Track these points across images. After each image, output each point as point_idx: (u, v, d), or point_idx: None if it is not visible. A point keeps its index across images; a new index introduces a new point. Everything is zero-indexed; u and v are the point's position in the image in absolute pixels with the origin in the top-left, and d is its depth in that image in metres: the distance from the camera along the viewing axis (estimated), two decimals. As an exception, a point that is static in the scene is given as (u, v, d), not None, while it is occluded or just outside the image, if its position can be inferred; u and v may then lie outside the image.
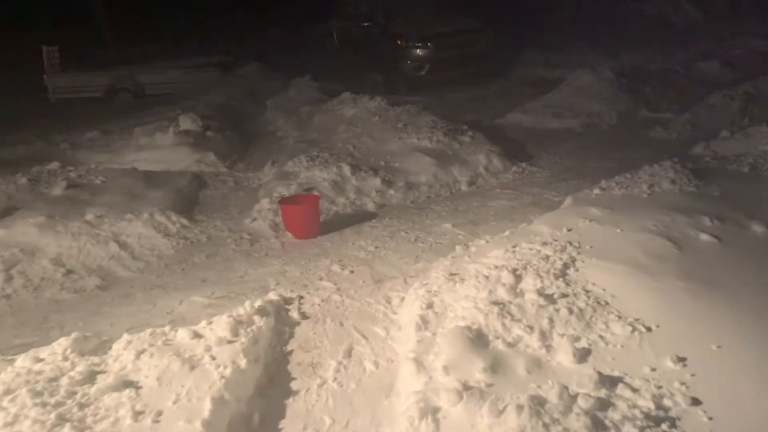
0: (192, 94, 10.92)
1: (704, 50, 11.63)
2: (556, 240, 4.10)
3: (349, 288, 4.25)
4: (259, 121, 10.19)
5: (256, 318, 3.58)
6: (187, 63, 12.65)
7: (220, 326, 3.41)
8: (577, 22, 16.19)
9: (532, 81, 12.32)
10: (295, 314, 3.88)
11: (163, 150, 7.54)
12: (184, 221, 5.52)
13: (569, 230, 4.21)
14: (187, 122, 8.08)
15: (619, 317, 3.13)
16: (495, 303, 3.33)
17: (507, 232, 4.71)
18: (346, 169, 6.24)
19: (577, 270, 3.65)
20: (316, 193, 5.83)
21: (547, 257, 3.83)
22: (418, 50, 12.13)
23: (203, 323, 3.53)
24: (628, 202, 4.57)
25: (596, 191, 4.92)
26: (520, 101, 10.39)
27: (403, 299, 3.97)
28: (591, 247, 3.90)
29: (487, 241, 4.67)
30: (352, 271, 4.54)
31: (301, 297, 4.14)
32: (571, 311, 3.18)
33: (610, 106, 8.53)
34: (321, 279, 4.45)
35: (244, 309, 3.68)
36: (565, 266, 3.68)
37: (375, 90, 11.98)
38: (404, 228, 5.35)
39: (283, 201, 5.41)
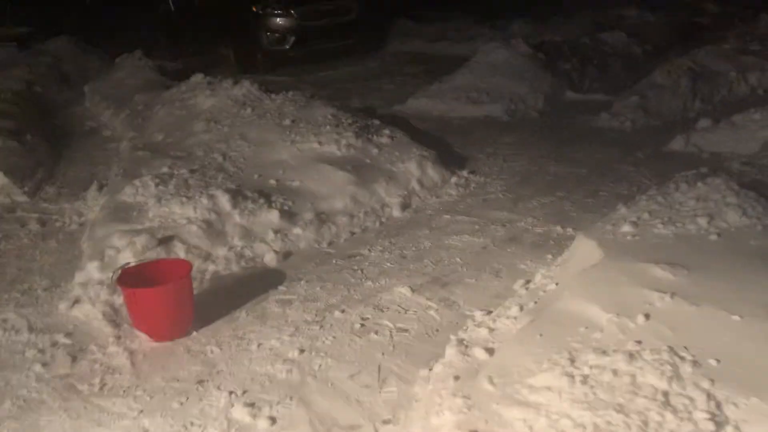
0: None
1: (601, 20, 10.62)
2: (638, 342, 2.36)
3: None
4: (75, 115, 7.48)
5: None
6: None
7: None
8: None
9: (413, 57, 10.65)
10: None
11: None
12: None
13: (646, 317, 2.49)
14: (-46, 126, 5.30)
15: None
16: None
17: (520, 311, 2.90)
18: (223, 199, 4.04)
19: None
20: (180, 251, 3.59)
21: (661, 397, 2.06)
22: (279, 19, 9.91)
23: None
24: (697, 250, 2.94)
25: (626, 228, 3.24)
26: (414, 81, 8.68)
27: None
28: (717, 362, 2.20)
29: (492, 330, 2.84)
30: (273, 421, 2.47)
31: None
32: None
33: (532, 87, 7.02)
34: (218, 447, 2.35)
35: None
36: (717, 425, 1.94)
37: (225, 68, 9.71)
38: (336, 301, 3.34)
39: (127, 276, 3.11)
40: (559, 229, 4.00)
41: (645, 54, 8.77)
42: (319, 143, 4.94)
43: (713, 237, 3.02)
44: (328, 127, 5.16)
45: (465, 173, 5.03)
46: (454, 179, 4.93)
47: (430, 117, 6.87)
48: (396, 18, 12.07)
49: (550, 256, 3.67)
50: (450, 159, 5.24)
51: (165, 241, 3.65)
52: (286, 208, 4.20)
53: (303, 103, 5.77)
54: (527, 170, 5.07)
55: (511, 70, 7.18)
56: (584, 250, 3.27)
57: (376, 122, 5.46)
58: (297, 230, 4.05)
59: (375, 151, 4.96)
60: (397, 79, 9.08)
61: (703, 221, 3.15)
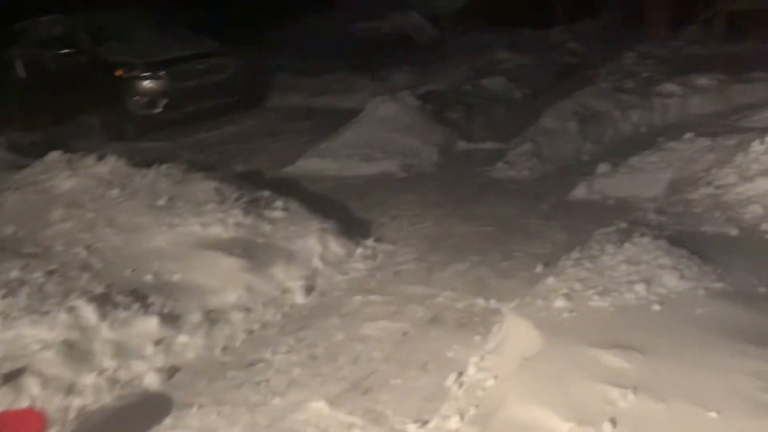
0: None
1: (478, 66, 10.74)
2: (612, 459, 1.98)
3: None
4: None
5: None
6: None
7: None
8: (315, 42, 14.54)
9: (296, 112, 10.22)
10: None
11: None
12: None
13: (613, 424, 2.12)
14: None
15: None
16: None
17: (461, 420, 2.46)
18: (88, 310, 3.33)
19: None
20: (33, 387, 2.85)
21: None
22: (147, 82, 9.17)
23: None
24: (644, 326, 2.64)
25: (560, 302, 2.92)
26: (301, 139, 8.23)
27: None
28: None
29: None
30: None
31: None
32: None
33: (424, 139, 6.77)
34: None
35: None
36: None
37: (91, 138, 8.85)
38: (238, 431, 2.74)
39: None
40: (481, 301, 3.63)
41: (526, 97, 8.87)
42: (202, 225, 4.33)
43: (656, 307, 2.75)
44: (211, 204, 4.56)
45: (371, 242, 4.59)
46: (360, 251, 4.47)
47: (324, 178, 6.42)
48: (275, 72, 11.65)
49: (478, 338, 3.27)
50: (352, 227, 4.79)
51: (12, 377, 2.90)
52: (166, 310, 3.55)
53: (179, 177, 5.12)
54: (435, 233, 4.72)
55: (401, 124, 6.91)
56: (519, 332, 2.90)
57: (267, 193, 4.91)
58: (183, 338, 3.41)
59: (268, 227, 4.42)
60: (283, 137, 8.60)
61: (640, 288, 2.88)
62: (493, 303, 3.59)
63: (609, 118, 6.76)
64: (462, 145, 7.05)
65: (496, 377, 2.77)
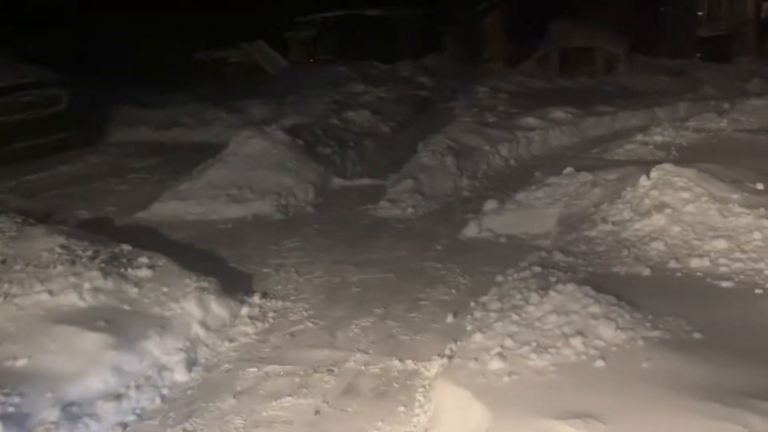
0: None
1: (338, 98, 10.51)
2: None
3: None
4: None
5: None
6: None
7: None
8: (159, 71, 13.56)
9: (143, 147, 9.31)
10: None
11: None
12: None
13: None
14: None
15: None
16: None
17: None
18: None
19: None
20: None
21: None
22: (-42, 116, 7.86)
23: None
24: (593, 387, 2.42)
25: (495, 363, 2.64)
26: (153, 178, 7.44)
27: None
28: None
29: None
30: None
31: None
32: None
33: (298, 177, 6.34)
34: None
35: None
36: None
37: None
38: None
39: None
40: (397, 363, 3.26)
41: (393, 131, 8.78)
42: (50, 293, 3.54)
43: (599, 363, 2.56)
44: (59, 266, 3.76)
45: (257, 299, 4.06)
46: (245, 310, 3.92)
47: (186, 224, 5.75)
48: (117, 104, 10.58)
49: (402, 409, 2.90)
50: (233, 282, 4.21)
51: None
52: (10, 409, 2.78)
53: (14, 232, 4.25)
54: (329, 283, 4.29)
55: (272, 161, 6.42)
56: (457, 404, 2.57)
57: (127, 248, 4.19)
58: (35, 445, 2.67)
59: (134, 291, 3.73)
60: (131, 177, 7.71)
61: (577, 342, 2.69)
62: (410, 364, 3.24)
63: (481, 153, 6.80)
64: (338, 182, 6.72)
65: (439, 461, 2.42)
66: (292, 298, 4.12)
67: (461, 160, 6.50)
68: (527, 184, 5.46)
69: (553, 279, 3.27)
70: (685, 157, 5.23)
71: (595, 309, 2.86)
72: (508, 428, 2.27)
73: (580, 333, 2.72)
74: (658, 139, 6.19)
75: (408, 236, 5.03)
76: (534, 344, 2.72)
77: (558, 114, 7.93)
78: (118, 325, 3.40)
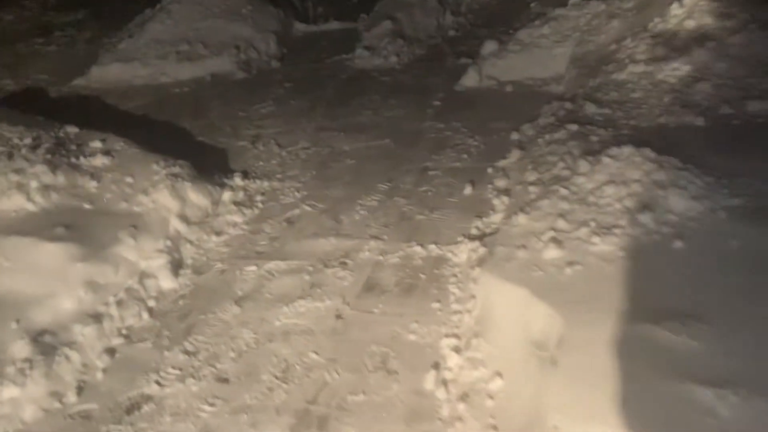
0: None
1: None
2: None
3: None
4: None
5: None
6: None
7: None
8: None
9: (64, 1, 8.02)
10: None
11: None
12: None
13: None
14: None
15: None
16: None
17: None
18: None
19: None
20: None
21: None
22: None
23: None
24: (678, 276, 2.03)
25: (551, 251, 2.22)
26: (83, 36, 6.46)
27: None
28: None
29: None
30: None
31: None
32: None
33: (258, 26, 5.47)
34: None
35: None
36: None
37: None
38: None
39: None
40: (418, 249, 2.82)
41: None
42: (-10, 197, 2.91)
43: (678, 244, 2.16)
44: (-5, 162, 3.08)
45: (239, 180, 3.48)
46: (227, 195, 3.37)
47: (134, 89, 4.98)
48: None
49: (437, 306, 2.51)
50: (205, 162, 3.60)
51: None
52: (-31, 351, 2.29)
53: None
54: (317, 155, 3.72)
55: (223, 7, 5.50)
56: (511, 304, 2.17)
57: (73, 130, 3.48)
58: (6, 392, 2.22)
59: (92, 185, 3.10)
60: (57, 36, 6.66)
61: (646, 219, 2.26)
62: (434, 249, 2.81)
63: (461, -18, 5.94)
64: (301, 27, 5.88)
65: (500, 375, 2.07)
66: (279, 176, 3.56)
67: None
68: (526, 20, 4.78)
69: (594, 139, 2.79)
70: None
71: (660, 176, 2.41)
72: (589, 337, 1.89)
73: (647, 207, 2.30)
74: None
75: (397, 91, 4.40)
76: (593, 224, 2.30)
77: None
78: (81, 229, 2.83)
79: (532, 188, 2.63)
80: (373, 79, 4.66)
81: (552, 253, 2.24)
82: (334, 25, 5.84)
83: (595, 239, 2.24)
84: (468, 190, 3.15)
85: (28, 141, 3.26)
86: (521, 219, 2.46)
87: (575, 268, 2.16)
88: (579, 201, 2.44)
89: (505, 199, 2.90)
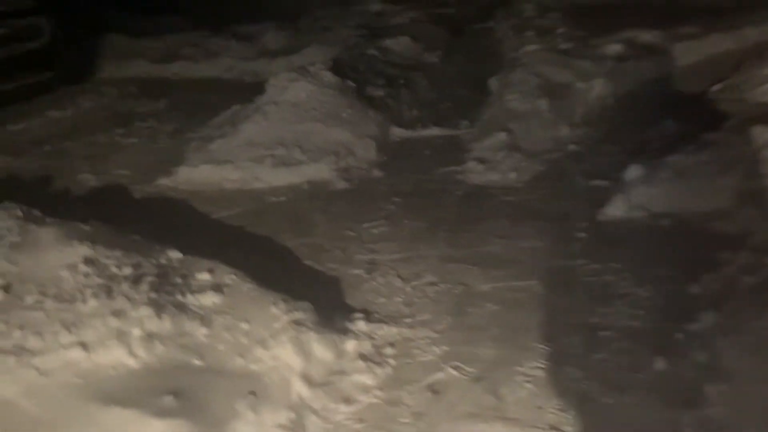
0: None
1: (362, 23, 9.03)
2: None
3: None
4: None
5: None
6: None
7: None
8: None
9: (143, 86, 7.91)
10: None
11: None
12: None
13: None
14: None
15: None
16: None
17: None
18: None
19: None
20: None
21: None
22: None
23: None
24: None
25: None
26: (165, 128, 6.18)
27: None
28: None
29: None
30: None
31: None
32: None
33: (356, 131, 5.10)
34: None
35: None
36: None
37: None
38: None
39: None
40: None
41: (441, 61, 7.46)
42: (84, 347, 2.40)
43: None
44: (91, 300, 2.60)
45: (362, 325, 2.94)
46: (351, 344, 2.81)
47: (226, 195, 4.58)
48: (105, 34, 9.07)
49: None
50: (320, 298, 3.08)
51: None
52: None
53: (16, 236, 3.00)
54: (449, 295, 3.17)
55: (322, 110, 5.15)
56: None
57: (177, 255, 3.01)
58: None
59: (202, 332, 2.58)
60: (138, 127, 6.42)
61: None
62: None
63: (573, 91, 5.54)
64: (398, 132, 5.50)
65: None
66: (407, 320, 3.01)
67: (554, 101, 5.26)
68: (659, 138, 4.29)
69: None
70: None
71: None
72: None
73: None
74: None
75: (526, 215, 3.88)
76: None
77: (646, 37, 6.61)
78: (192, 398, 2.29)
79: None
80: (494, 197, 4.16)
81: None
82: (434, 131, 5.45)
83: None
84: (660, 363, 2.54)
85: (128, 271, 2.79)
86: None
87: None
88: None
89: (724, 387, 2.28)
